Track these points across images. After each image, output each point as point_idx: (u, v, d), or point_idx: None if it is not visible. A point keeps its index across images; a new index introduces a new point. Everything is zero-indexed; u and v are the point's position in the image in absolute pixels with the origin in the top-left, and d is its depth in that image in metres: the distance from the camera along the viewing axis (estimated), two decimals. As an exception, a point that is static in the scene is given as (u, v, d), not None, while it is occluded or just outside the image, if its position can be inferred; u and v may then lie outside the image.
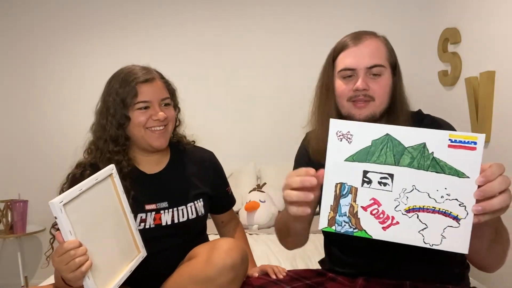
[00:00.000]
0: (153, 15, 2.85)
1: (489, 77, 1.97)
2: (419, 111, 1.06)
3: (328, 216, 0.72)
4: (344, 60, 0.98)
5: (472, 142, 0.64)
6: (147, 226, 1.10)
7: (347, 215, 0.71)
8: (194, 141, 1.31)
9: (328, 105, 1.02)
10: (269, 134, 2.84)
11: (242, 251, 1.00)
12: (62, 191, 1.10)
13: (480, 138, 0.64)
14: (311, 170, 0.74)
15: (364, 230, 0.71)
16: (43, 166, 2.76)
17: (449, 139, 0.65)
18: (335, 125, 0.71)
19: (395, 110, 0.99)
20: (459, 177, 0.64)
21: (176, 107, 1.22)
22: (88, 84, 2.76)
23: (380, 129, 0.69)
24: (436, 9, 2.57)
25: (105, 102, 1.12)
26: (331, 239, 1.06)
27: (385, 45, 1.00)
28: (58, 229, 1.07)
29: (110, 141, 1.10)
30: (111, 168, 0.96)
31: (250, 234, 2.24)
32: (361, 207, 0.71)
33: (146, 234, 1.07)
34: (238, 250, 0.99)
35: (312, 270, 1.13)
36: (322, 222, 0.73)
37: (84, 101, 2.85)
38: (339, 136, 0.71)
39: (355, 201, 0.71)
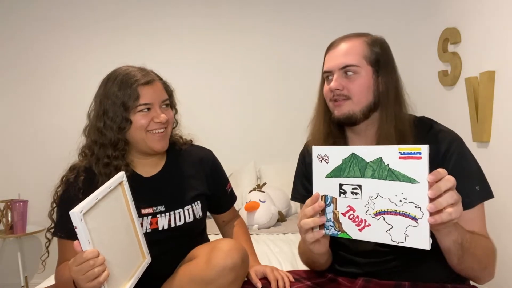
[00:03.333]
0: (152, 16, 2.85)
1: (489, 77, 1.97)
2: (422, 118, 1.05)
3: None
4: (325, 64, 1.04)
5: (417, 152, 0.74)
6: (143, 231, 1.08)
7: (332, 220, 0.85)
8: (191, 140, 1.28)
9: (319, 104, 1.10)
10: (269, 134, 2.84)
11: (242, 252, 1.00)
12: (56, 194, 1.09)
13: (424, 148, 0.73)
14: (315, 196, 0.86)
15: (346, 232, 0.84)
16: (43, 166, 2.76)
17: (399, 152, 0.76)
18: (315, 150, 0.87)
19: (381, 109, 0.99)
20: (411, 183, 0.74)
21: (173, 108, 1.20)
22: (89, 85, 2.75)
23: (346, 150, 0.83)
24: (436, 9, 2.57)
25: (101, 105, 1.08)
26: (337, 240, 1.07)
27: (367, 44, 1.00)
28: (59, 235, 1.07)
29: (109, 146, 1.07)
30: (121, 176, 0.95)
31: (250, 234, 2.23)
32: (341, 213, 0.84)
33: None
34: (238, 251, 0.99)
35: (312, 270, 1.13)
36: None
37: (84, 101, 2.85)
38: (319, 158, 0.87)
39: (336, 208, 0.85)
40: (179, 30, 2.87)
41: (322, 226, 0.86)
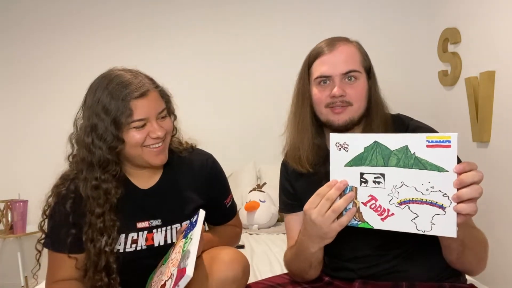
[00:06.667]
0: (151, 18, 2.85)
1: (489, 77, 1.97)
2: (399, 115, 1.07)
3: None
4: (319, 68, 1.00)
5: (446, 141, 0.73)
6: (138, 248, 1.03)
7: None
8: (192, 145, 1.19)
9: (303, 112, 1.05)
10: (269, 134, 2.83)
11: (243, 263, 0.98)
12: (47, 204, 1.05)
13: (453, 136, 0.73)
14: (333, 181, 0.82)
15: (367, 222, 0.81)
16: (43, 166, 2.75)
17: (427, 140, 0.75)
18: (334, 138, 0.84)
19: (371, 113, 1.01)
20: (439, 171, 0.74)
21: (172, 114, 1.09)
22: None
23: (369, 138, 0.81)
24: (436, 9, 2.57)
25: (89, 119, 0.97)
26: (325, 249, 1.06)
27: (358, 50, 1.02)
28: (50, 248, 1.03)
29: (97, 167, 0.97)
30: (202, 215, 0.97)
31: (250, 234, 2.24)
32: (362, 203, 0.81)
33: (137, 255, 1.03)
34: (239, 262, 0.96)
35: None
36: None
37: (84, 101, 2.85)
38: (338, 147, 0.84)
39: (356, 198, 0.82)
40: (179, 28, 2.86)
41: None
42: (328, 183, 0.82)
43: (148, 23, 2.85)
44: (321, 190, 0.83)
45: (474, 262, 0.90)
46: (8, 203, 2.56)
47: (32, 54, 2.82)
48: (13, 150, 2.82)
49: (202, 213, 0.99)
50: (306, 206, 0.84)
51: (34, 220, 2.63)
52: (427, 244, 0.93)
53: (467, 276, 1.05)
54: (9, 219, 2.56)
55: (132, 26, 2.85)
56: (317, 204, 0.82)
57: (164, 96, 1.06)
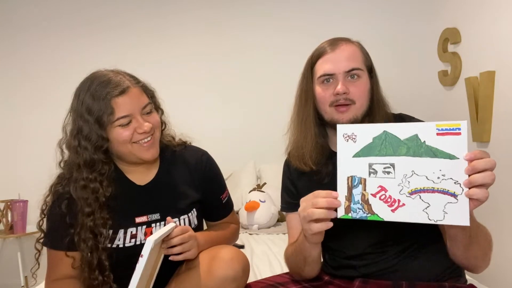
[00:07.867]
0: (151, 20, 2.85)
1: (489, 77, 1.97)
2: (400, 115, 1.08)
3: (344, 205, 0.82)
4: (322, 66, 1.01)
5: (456, 128, 0.74)
6: (137, 243, 1.05)
7: (360, 202, 0.80)
8: (185, 142, 1.20)
9: (307, 112, 1.06)
10: (269, 133, 2.83)
11: (244, 262, 0.98)
12: (45, 204, 1.06)
13: (463, 124, 0.74)
14: (334, 193, 0.82)
15: (376, 214, 0.79)
16: (43, 167, 2.75)
17: (437, 128, 0.75)
18: (341, 129, 0.83)
19: (373, 112, 1.02)
20: (450, 159, 0.74)
21: (158, 109, 1.11)
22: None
23: (378, 128, 0.80)
24: (436, 9, 2.57)
25: (75, 122, 1.00)
26: (326, 246, 1.06)
27: (360, 49, 1.04)
28: (49, 245, 1.04)
29: (84, 167, 0.99)
30: (173, 227, 0.97)
31: (250, 234, 2.24)
32: (371, 194, 0.80)
33: (136, 249, 1.02)
34: (240, 261, 0.97)
35: None
36: (340, 210, 0.82)
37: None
38: (346, 137, 0.83)
39: (365, 190, 0.80)
40: (179, 29, 2.86)
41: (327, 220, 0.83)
42: (328, 192, 0.82)
43: (148, 24, 2.85)
44: (318, 192, 0.84)
45: (479, 256, 0.89)
46: (8, 203, 2.56)
47: (32, 54, 2.82)
48: (13, 150, 2.82)
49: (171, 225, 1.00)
50: (302, 198, 0.87)
51: (34, 220, 2.59)
52: (428, 244, 0.93)
53: (467, 277, 1.05)
54: (9, 219, 2.56)
55: (132, 26, 2.85)
56: (306, 201, 0.84)
57: (147, 92, 1.07)
